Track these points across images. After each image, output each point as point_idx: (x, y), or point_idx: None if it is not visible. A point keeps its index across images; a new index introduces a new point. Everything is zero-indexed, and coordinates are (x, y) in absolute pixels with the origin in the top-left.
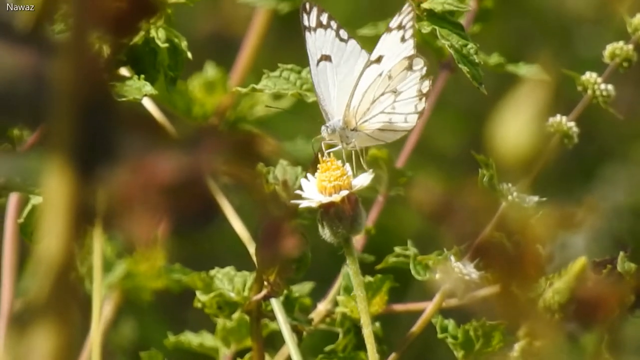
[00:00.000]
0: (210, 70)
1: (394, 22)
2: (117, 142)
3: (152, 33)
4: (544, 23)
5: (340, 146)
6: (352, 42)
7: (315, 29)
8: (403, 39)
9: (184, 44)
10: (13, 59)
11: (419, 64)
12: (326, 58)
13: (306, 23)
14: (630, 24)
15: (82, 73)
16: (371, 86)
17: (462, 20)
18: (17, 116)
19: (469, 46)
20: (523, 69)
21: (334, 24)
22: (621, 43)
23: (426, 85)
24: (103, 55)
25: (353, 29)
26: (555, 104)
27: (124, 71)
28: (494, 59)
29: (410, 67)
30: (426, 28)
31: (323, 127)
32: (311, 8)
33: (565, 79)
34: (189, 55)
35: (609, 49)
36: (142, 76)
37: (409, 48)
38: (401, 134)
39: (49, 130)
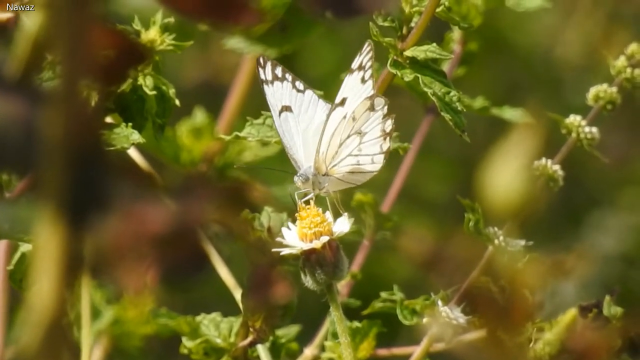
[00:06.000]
0: (198, 116)
1: (355, 63)
2: (107, 191)
3: (140, 80)
4: (533, 70)
5: (312, 193)
6: (309, 92)
7: (272, 82)
8: (363, 80)
9: (171, 91)
10: (2, 106)
11: (380, 103)
12: (287, 109)
13: (263, 77)
14: (614, 66)
15: (72, 121)
16: (337, 129)
17: (446, 64)
18: (7, 164)
19: (451, 94)
20: (508, 113)
21: (289, 77)
22: (605, 85)
23: (389, 125)
24: (91, 103)
25: (341, 75)
26: (545, 150)
27: (111, 119)
28: (479, 102)
29: (372, 108)
30: (409, 76)
31: (296, 177)
32: (265, 62)
33: (556, 126)
34: (177, 102)
35: (593, 91)
36: (130, 124)
37: (369, 89)
38: (370, 175)
39: (38, 178)
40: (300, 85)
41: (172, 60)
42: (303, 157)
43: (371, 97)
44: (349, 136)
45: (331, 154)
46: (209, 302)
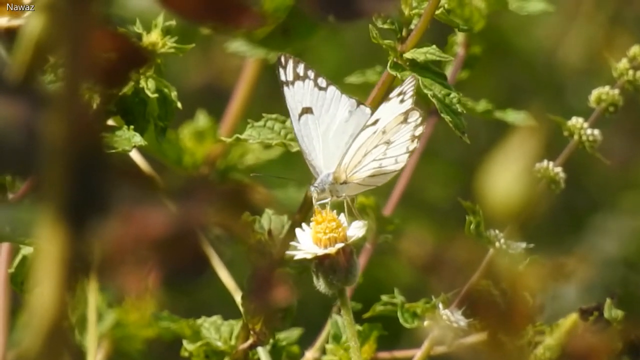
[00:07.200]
0: (201, 120)
1: (394, 92)
2: (108, 193)
3: (142, 83)
4: (536, 73)
5: (329, 199)
6: (332, 89)
7: (293, 82)
8: (402, 101)
9: (173, 94)
10: (4, 109)
11: (415, 116)
12: (307, 110)
13: (283, 78)
14: (616, 69)
15: (73, 124)
16: (364, 143)
17: (450, 68)
18: (8, 167)
19: (451, 95)
20: (511, 116)
21: (311, 74)
22: (607, 88)
23: (420, 130)
24: (93, 105)
25: (344, 78)
26: (547, 153)
27: (112, 122)
28: (482, 105)
29: (405, 121)
30: None
31: (312, 188)
32: (287, 61)
33: (558, 129)
34: (179, 105)
35: (595, 93)
36: (132, 127)
37: (406, 106)
38: (391, 175)
39: (40, 180)
40: (322, 82)
41: (175, 64)
42: (322, 163)
43: (405, 112)
44: (376, 146)
45: (354, 163)
46: (209, 305)
